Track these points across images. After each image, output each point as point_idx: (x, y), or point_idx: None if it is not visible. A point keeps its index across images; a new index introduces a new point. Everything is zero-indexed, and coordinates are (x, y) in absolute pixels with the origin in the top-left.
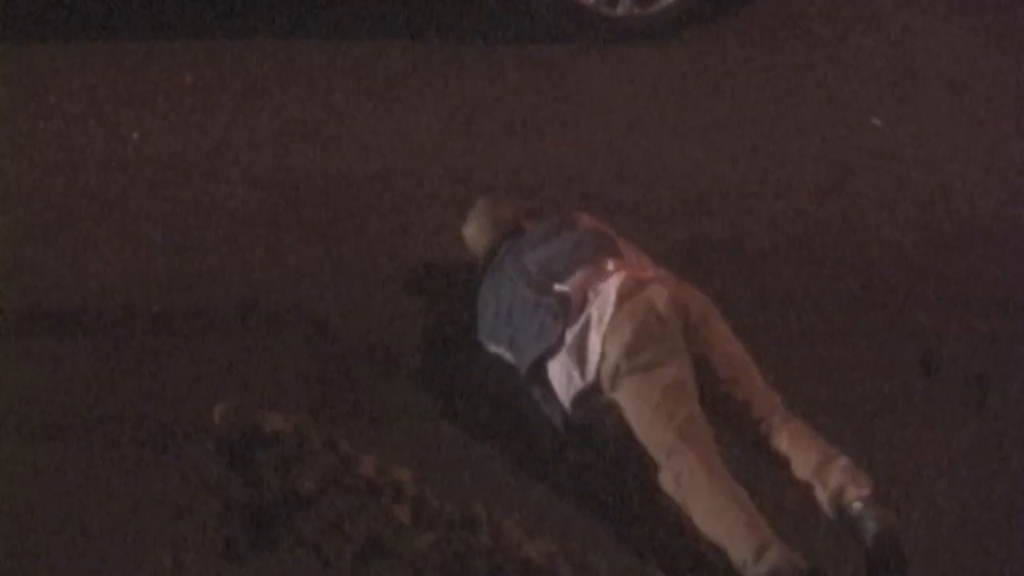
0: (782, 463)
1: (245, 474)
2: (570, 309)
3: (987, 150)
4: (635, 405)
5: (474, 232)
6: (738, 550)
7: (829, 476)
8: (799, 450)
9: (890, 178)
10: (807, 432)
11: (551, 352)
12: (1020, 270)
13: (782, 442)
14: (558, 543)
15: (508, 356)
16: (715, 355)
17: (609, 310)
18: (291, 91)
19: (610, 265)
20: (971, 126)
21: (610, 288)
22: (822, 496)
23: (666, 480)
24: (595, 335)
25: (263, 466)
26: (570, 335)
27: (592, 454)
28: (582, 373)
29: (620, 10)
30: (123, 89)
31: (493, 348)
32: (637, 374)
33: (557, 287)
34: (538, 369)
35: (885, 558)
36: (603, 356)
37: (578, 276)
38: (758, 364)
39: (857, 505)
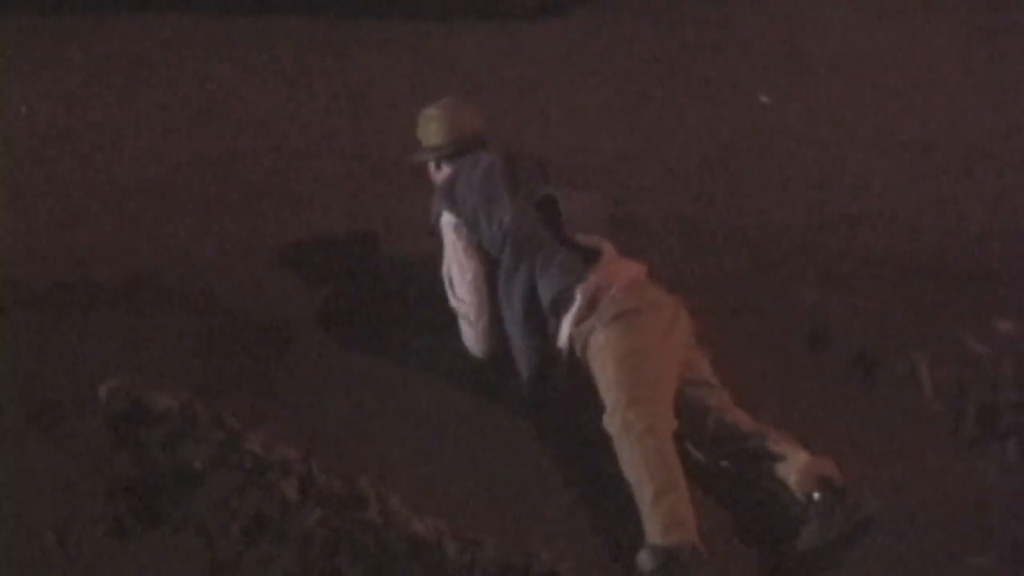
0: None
1: (132, 451)
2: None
3: (874, 129)
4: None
5: (431, 127)
6: (653, 530)
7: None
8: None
9: (778, 156)
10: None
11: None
12: (906, 248)
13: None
14: (446, 519)
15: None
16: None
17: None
18: (180, 67)
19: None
20: (858, 106)
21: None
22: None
23: (613, 422)
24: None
25: (150, 443)
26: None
27: (481, 432)
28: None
29: None
30: (11, 64)
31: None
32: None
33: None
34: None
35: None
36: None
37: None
38: None
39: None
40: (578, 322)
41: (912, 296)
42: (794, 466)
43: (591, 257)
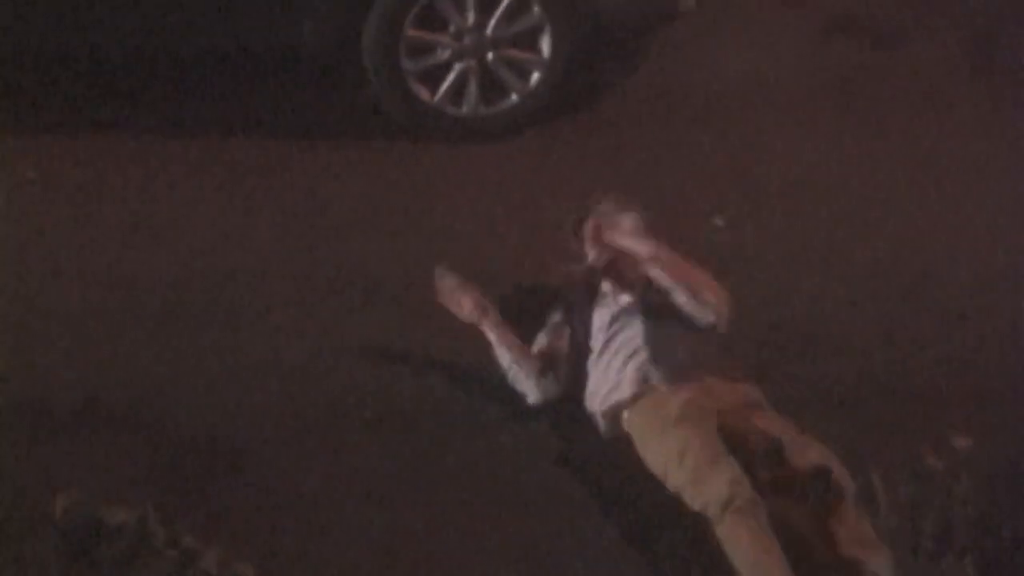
0: None
1: (87, 569)
2: None
3: (826, 252)
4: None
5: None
6: None
7: None
8: None
9: (732, 277)
10: None
11: None
12: (858, 369)
13: None
14: None
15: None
16: None
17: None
18: (131, 186)
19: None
20: (810, 228)
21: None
22: None
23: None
24: None
25: (105, 560)
26: None
27: (433, 555)
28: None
29: (465, 109)
30: None
31: None
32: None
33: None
34: None
35: None
36: None
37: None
38: None
39: None
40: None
41: (865, 416)
42: None
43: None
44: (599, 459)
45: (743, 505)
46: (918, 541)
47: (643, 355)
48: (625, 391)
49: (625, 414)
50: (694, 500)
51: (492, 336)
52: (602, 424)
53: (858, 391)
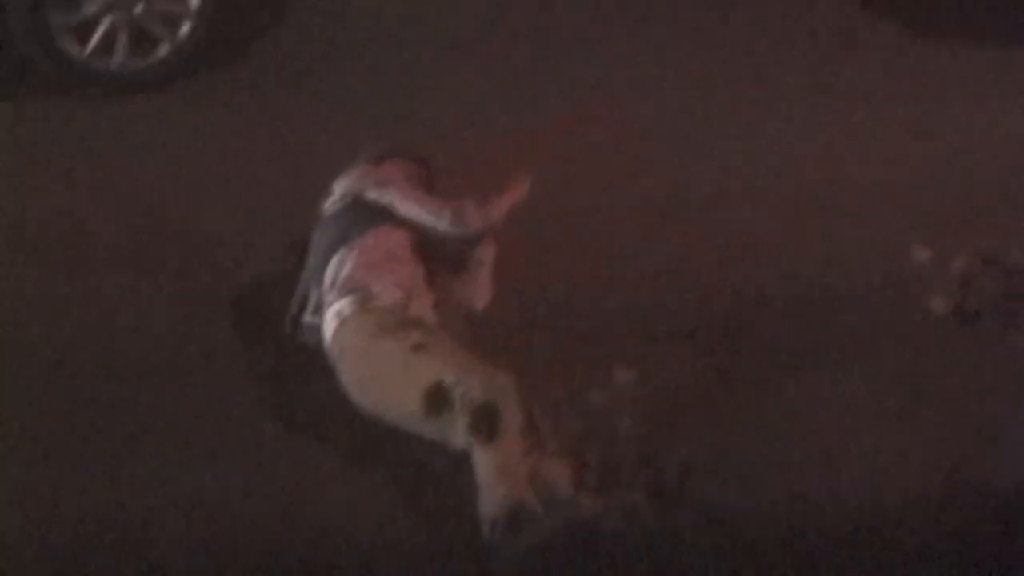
0: None
1: None
2: None
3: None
4: None
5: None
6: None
7: None
8: None
9: None
10: None
11: None
12: (530, 311)
13: None
14: None
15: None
16: None
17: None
18: None
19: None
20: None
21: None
22: None
23: None
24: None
25: None
26: None
27: None
28: None
29: (114, 63)
30: None
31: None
32: None
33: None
34: None
35: None
36: None
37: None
38: None
39: None
40: None
41: (530, 354)
42: None
43: None
44: None
45: None
46: (583, 475)
47: None
48: None
49: None
50: None
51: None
52: None
53: (524, 331)
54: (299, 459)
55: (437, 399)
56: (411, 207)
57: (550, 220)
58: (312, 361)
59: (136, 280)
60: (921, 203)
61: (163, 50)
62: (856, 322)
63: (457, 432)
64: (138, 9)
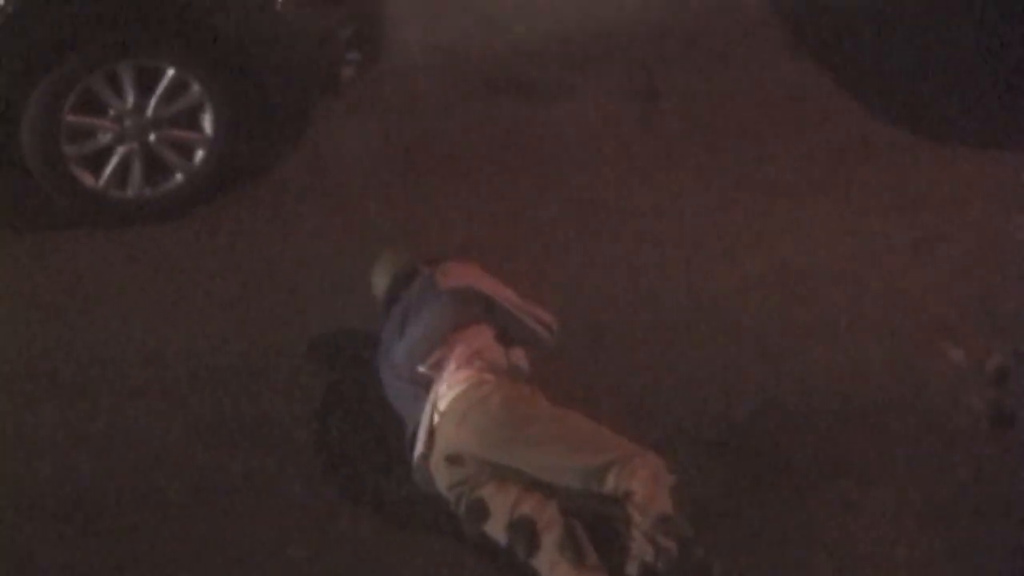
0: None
1: None
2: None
3: None
4: None
5: (375, 276)
6: None
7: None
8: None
9: None
10: None
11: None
12: None
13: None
14: None
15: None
16: None
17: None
18: None
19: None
20: None
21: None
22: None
23: None
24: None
25: None
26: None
27: None
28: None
29: (130, 192)
30: None
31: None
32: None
33: (420, 368)
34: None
35: None
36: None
37: (435, 356)
38: None
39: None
40: None
41: None
42: None
43: None
44: None
45: None
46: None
47: None
48: None
49: None
50: None
51: None
52: None
53: None
54: None
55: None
56: (515, 307)
57: (570, 329)
58: (333, 484)
59: (153, 409)
60: (945, 307)
61: (178, 178)
62: (882, 430)
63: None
64: (151, 138)
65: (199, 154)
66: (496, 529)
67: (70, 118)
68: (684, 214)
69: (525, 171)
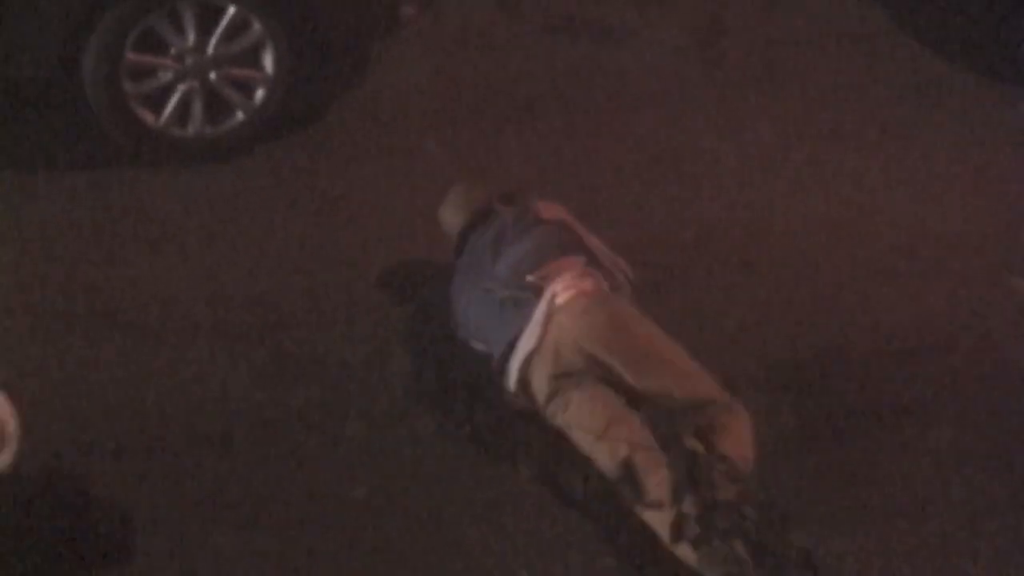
0: None
1: None
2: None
3: None
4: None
5: (448, 214)
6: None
7: None
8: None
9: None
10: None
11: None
12: None
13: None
14: None
15: (480, 347)
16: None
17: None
18: None
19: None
20: None
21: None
22: None
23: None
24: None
25: None
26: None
27: None
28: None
29: (191, 130)
30: None
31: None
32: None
33: (528, 278)
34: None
35: None
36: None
37: (545, 269)
38: None
39: None
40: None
41: None
42: None
43: None
44: None
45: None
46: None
47: None
48: None
49: None
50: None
51: None
52: None
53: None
54: (385, 524)
55: None
56: (598, 250)
57: (634, 270)
58: (394, 424)
59: (215, 349)
60: (1008, 247)
61: (239, 116)
62: (941, 371)
63: None
64: (212, 76)
65: (259, 93)
66: (584, 440)
67: (131, 56)
68: (748, 156)
69: (588, 112)
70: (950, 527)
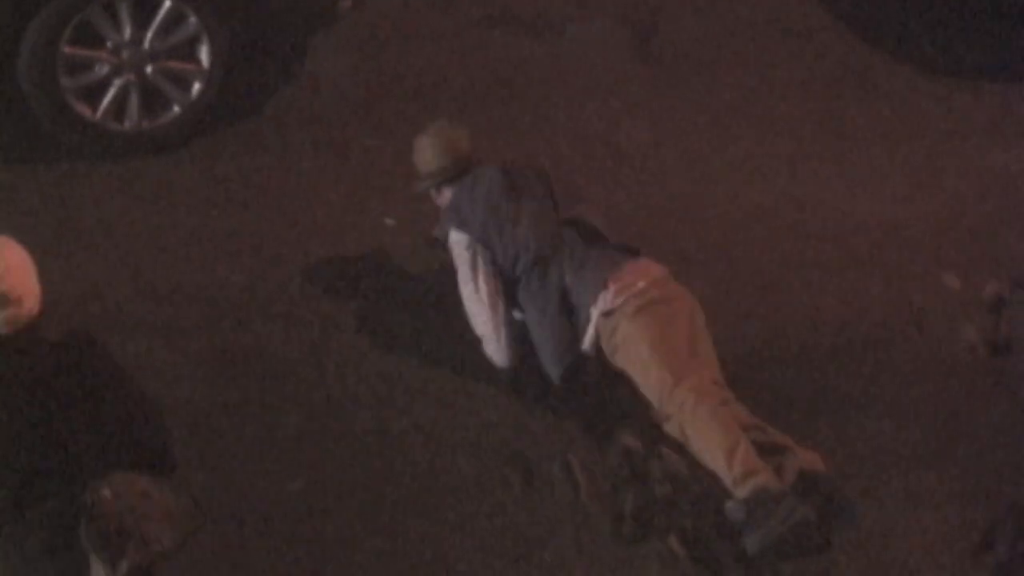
0: None
1: None
2: None
3: None
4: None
5: (428, 152)
6: (734, 486)
7: None
8: None
9: (401, 278)
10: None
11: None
12: None
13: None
14: None
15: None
16: None
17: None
18: None
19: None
20: None
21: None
22: None
23: (667, 407)
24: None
25: None
26: None
27: None
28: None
29: (128, 124)
30: None
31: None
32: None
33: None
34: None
35: None
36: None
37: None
38: None
39: None
40: (606, 312)
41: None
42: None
43: (623, 254)
44: None
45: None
46: (620, 525)
47: None
48: None
49: None
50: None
51: (486, 290)
52: None
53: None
54: (322, 517)
55: None
56: None
57: None
58: (331, 417)
59: (152, 343)
60: (941, 239)
61: (175, 110)
62: (879, 362)
63: None
64: (149, 70)
65: (196, 86)
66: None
67: (67, 50)
68: (685, 148)
69: (523, 105)
70: (888, 518)
